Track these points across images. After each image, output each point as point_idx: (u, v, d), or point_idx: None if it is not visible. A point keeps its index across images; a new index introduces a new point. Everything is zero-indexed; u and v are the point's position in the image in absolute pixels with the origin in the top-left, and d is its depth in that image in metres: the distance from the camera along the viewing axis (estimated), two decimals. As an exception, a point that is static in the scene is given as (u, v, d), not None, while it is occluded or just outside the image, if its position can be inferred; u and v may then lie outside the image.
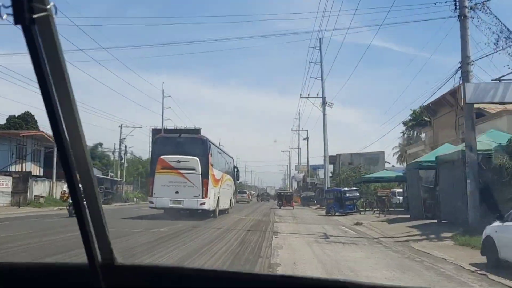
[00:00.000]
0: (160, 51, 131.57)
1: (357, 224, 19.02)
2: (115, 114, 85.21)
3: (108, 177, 42.35)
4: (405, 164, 36.77)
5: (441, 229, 14.03)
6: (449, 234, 12.59)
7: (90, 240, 1.18)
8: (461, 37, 13.51)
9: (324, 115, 37.17)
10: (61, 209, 23.38)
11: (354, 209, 27.06)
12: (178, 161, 18.56)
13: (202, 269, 2.34)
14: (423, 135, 37.96)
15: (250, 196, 57.82)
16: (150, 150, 20.56)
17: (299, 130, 64.10)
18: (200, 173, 18.48)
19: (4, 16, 0.93)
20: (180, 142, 19.71)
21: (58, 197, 28.25)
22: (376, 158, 50.45)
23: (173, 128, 63.66)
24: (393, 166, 47.16)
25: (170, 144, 19.63)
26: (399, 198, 30.86)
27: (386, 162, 52.69)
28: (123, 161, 48.29)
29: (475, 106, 14.74)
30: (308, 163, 63.66)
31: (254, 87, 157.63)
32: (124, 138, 47.48)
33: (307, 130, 63.03)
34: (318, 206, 41.29)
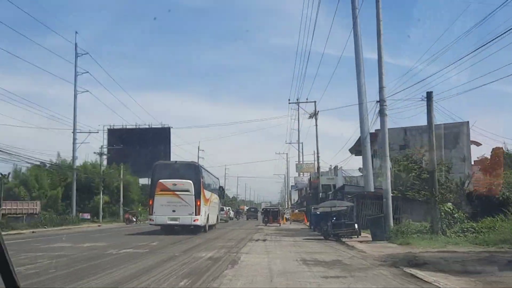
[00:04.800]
0: (156, 71, 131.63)
1: None
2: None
3: None
4: None
5: None
6: None
7: None
8: None
9: (355, 32, 21.94)
10: None
11: None
12: (175, 184, 21.95)
13: None
14: None
15: (228, 213, 51.55)
16: (150, 175, 23.85)
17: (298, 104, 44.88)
18: (194, 194, 21.89)
19: None
20: (176, 168, 23.20)
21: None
22: (453, 134, 28.66)
23: (134, 127, 51.90)
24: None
25: (167, 169, 23.06)
26: None
27: (473, 142, 29.21)
28: None
29: None
30: (317, 155, 40.91)
31: (250, 102, 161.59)
32: None
33: (314, 101, 39.71)
34: (390, 249, 12.66)
